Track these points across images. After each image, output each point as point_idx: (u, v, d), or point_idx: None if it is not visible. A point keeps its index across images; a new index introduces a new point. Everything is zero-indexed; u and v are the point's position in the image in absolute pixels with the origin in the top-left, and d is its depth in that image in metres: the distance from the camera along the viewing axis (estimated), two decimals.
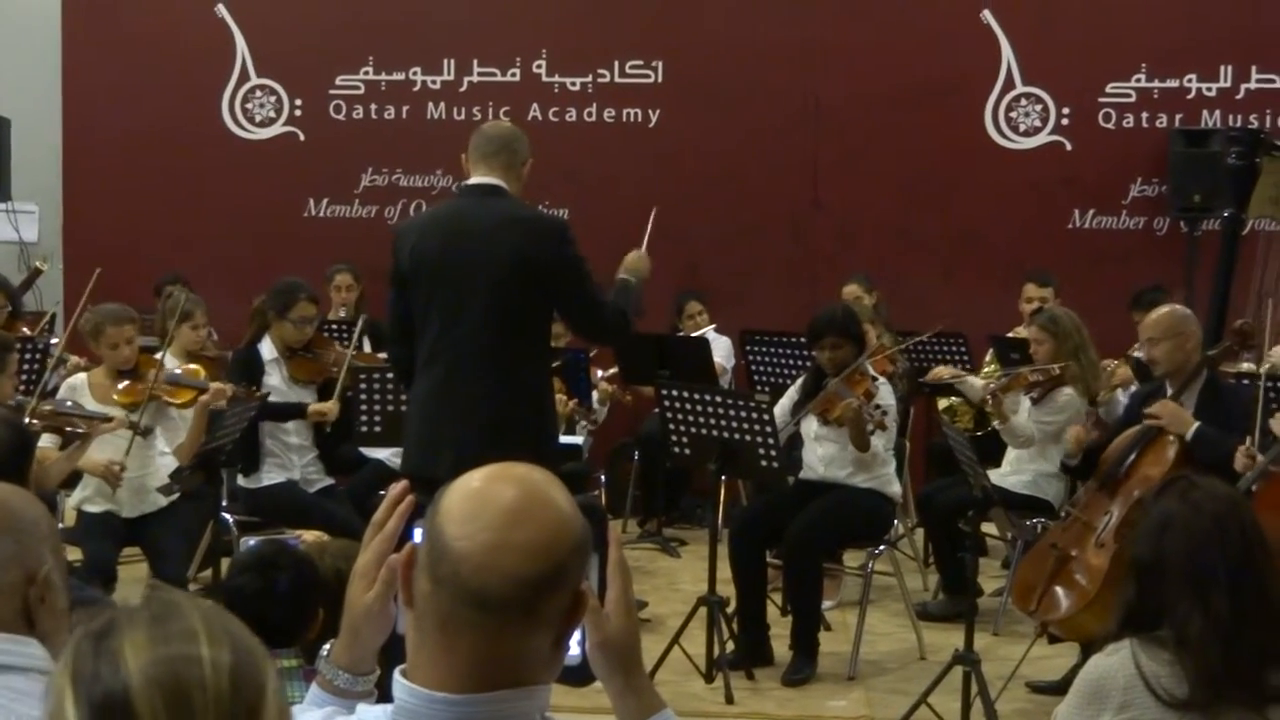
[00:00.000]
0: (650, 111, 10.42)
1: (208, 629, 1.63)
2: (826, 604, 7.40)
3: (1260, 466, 5.60)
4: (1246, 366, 7.57)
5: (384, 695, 2.04)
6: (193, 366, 7.23)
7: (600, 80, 10.44)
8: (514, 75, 10.47)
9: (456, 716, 1.91)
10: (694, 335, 9.35)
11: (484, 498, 1.94)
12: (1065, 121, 10.28)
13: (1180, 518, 3.24)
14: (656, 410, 7.20)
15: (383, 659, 2.18)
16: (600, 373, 8.74)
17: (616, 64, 10.43)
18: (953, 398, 8.57)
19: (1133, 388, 7.37)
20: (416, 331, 5.37)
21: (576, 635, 2.07)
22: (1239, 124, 9.73)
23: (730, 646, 6.67)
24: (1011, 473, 7.53)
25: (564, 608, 1.95)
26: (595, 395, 8.61)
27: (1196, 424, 5.97)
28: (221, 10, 10.56)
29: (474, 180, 5.38)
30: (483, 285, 5.21)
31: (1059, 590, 5.96)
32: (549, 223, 5.58)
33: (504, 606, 1.89)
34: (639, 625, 2.18)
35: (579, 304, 5.38)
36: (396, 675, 1.95)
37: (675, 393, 6.69)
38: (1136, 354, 8.38)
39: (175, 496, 6.69)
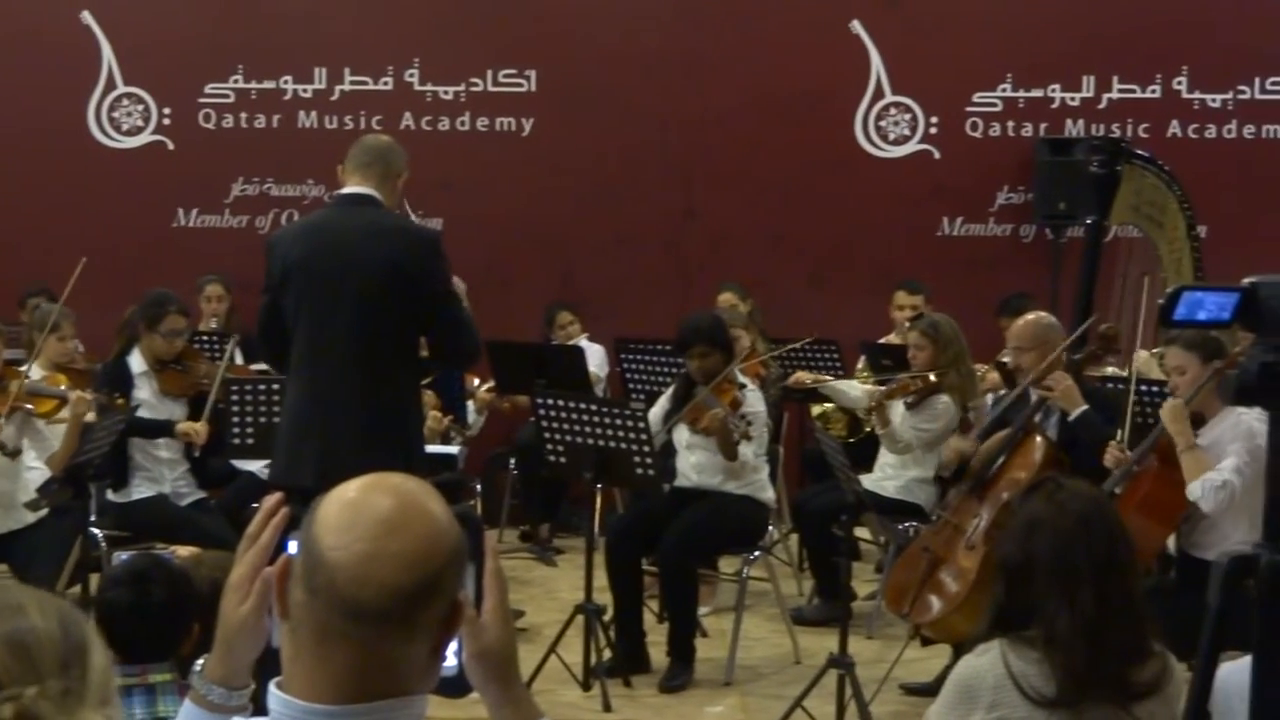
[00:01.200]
0: (524, 120, 10.41)
1: (36, 600, 1.77)
2: (702, 610, 7.44)
3: (1126, 467, 5.73)
4: (1111, 370, 7.73)
5: (260, 709, 2.02)
6: (56, 375, 7.12)
7: (473, 89, 10.41)
8: (386, 84, 10.41)
9: None
10: (569, 344, 9.35)
11: (359, 508, 1.93)
12: (933, 130, 10.42)
13: (1047, 518, 3.31)
14: (533, 419, 7.20)
15: (258, 672, 2.16)
16: (476, 381, 8.72)
17: (489, 73, 10.40)
18: (826, 404, 8.65)
19: (1001, 392, 7.48)
20: (291, 339, 5.37)
21: (453, 645, 2.07)
22: (1101, 133, 9.92)
23: (607, 654, 6.68)
24: (884, 478, 7.62)
25: (440, 618, 1.95)
26: (471, 405, 8.58)
27: (1085, 406, 6.09)
28: (87, 17, 10.39)
29: (346, 190, 5.39)
30: (351, 294, 5.22)
31: (931, 593, 6.04)
32: (422, 235, 5.58)
33: (380, 617, 1.88)
34: (516, 635, 2.18)
35: (445, 320, 5.38)
36: (271, 688, 1.94)
37: (550, 401, 6.70)
38: (1005, 359, 8.53)
39: (43, 512, 6.58)
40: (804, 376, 8.33)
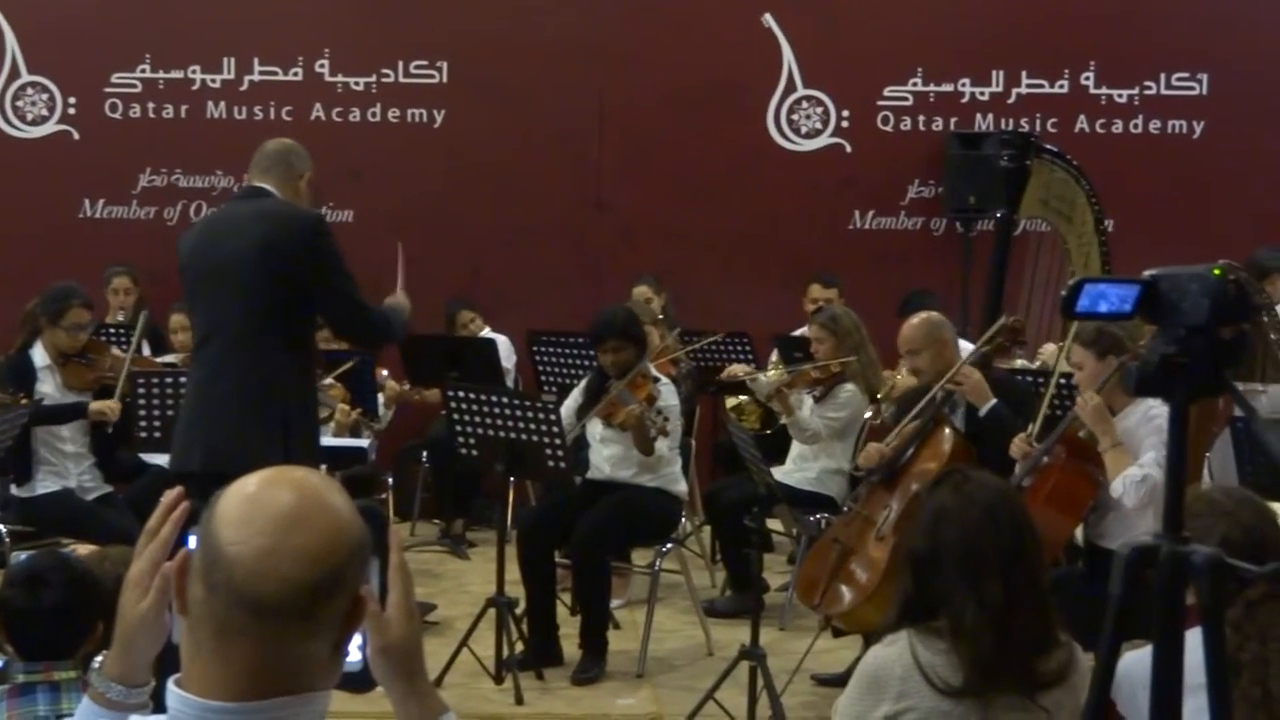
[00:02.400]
0: (435, 112, 10.35)
1: None
2: (615, 603, 7.44)
3: (1034, 459, 5.77)
4: (1020, 363, 7.81)
5: (160, 707, 1.99)
6: None
7: (384, 80, 10.34)
8: (296, 75, 10.31)
9: None
10: (482, 336, 9.33)
11: (259, 502, 1.91)
12: (845, 124, 10.46)
13: (954, 509, 3.33)
14: (444, 412, 7.17)
15: (158, 669, 2.13)
16: (385, 373, 8.66)
17: (401, 64, 10.32)
18: (741, 397, 8.68)
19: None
20: None
21: (358, 641, 2.05)
22: (1011, 128, 10.00)
23: (520, 647, 6.67)
24: (796, 470, 7.65)
25: (342, 613, 1.93)
26: (381, 398, 8.53)
27: (994, 400, 6.14)
28: None
29: (245, 184, 5.55)
30: (236, 283, 5.36)
31: (841, 584, 6.07)
32: (299, 215, 5.55)
33: (280, 612, 1.86)
34: (421, 629, 2.16)
35: (335, 299, 5.44)
36: (170, 685, 1.91)
37: (462, 394, 6.68)
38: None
39: None
40: (737, 369, 8.34)
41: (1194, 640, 3.21)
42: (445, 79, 10.36)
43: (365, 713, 3.06)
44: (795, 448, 7.74)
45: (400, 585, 2.13)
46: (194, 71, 10.29)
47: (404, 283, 6.01)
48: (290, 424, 5.37)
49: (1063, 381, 6.60)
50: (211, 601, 1.88)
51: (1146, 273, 2.12)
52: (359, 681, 2.12)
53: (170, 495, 2.15)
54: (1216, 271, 2.07)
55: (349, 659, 2.04)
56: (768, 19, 10.38)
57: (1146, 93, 10.45)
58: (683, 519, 7.41)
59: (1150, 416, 5.55)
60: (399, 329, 5.86)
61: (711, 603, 7.75)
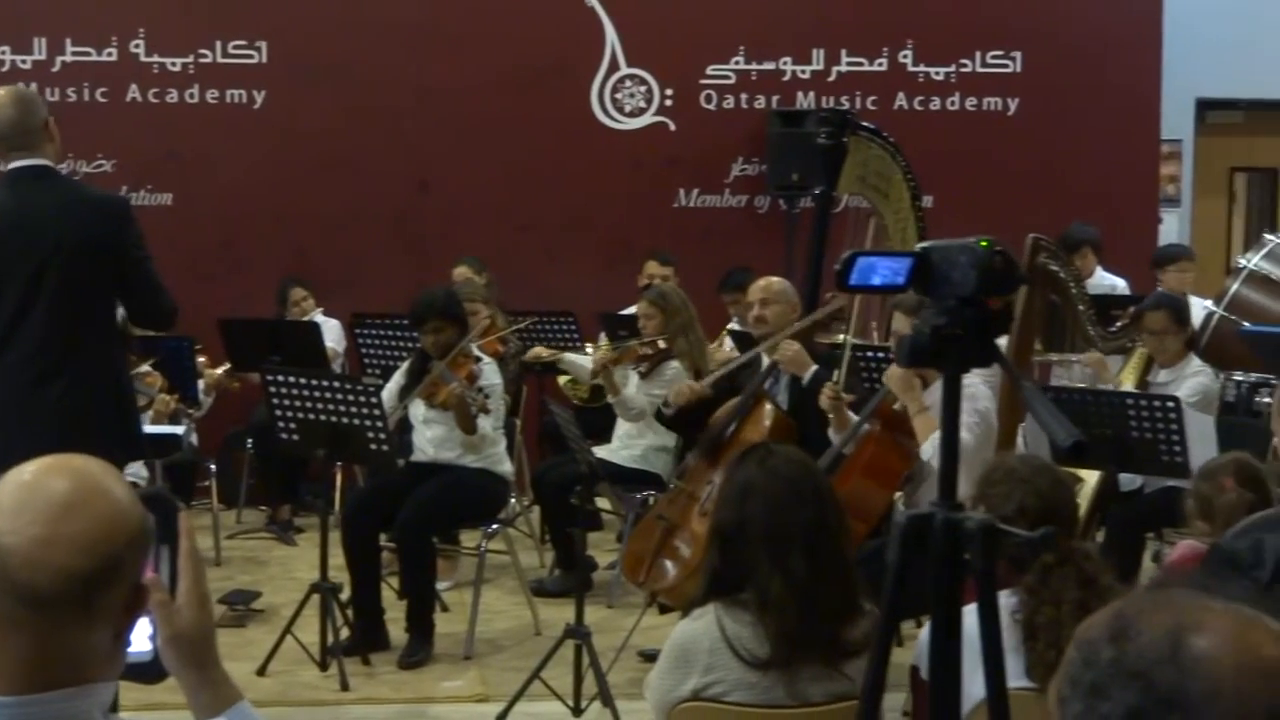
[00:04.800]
0: (255, 93, 10.19)
1: None
2: (443, 585, 7.43)
3: (854, 428, 5.85)
4: (841, 338, 7.91)
5: None
6: None
7: (202, 60, 10.16)
8: (110, 55, 10.09)
9: (10, 719, 1.85)
10: (305, 320, 9.23)
11: (34, 490, 1.88)
12: (669, 103, 10.51)
13: (759, 483, 3.37)
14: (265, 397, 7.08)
15: None
16: (202, 360, 8.53)
17: (219, 44, 10.15)
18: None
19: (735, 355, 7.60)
20: None
21: (149, 630, 2.03)
22: (831, 105, 10.11)
23: (345, 633, 6.62)
24: (621, 447, 7.69)
25: (122, 602, 1.90)
26: (201, 384, 8.39)
27: (815, 367, 6.22)
28: None
29: (19, 164, 5.15)
30: (53, 274, 5.08)
31: (666, 560, 6.11)
32: (113, 202, 5.43)
33: (56, 603, 1.83)
34: (213, 618, 2.14)
35: (141, 285, 5.27)
36: None
37: (281, 378, 6.59)
38: (733, 328, 8.69)
39: None
40: (540, 351, 8.37)
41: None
42: (265, 59, 10.21)
43: (158, 703, 3.02)
44: (621, 425, 7.77)
45: (190, 573, 2.10)
46: (4, 52, 10.03)
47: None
48: (125, 428, 5.24)
49: (881, 355, 6.73)
50: None
51: (918, 245, 2.16)
52: (149, 672, 2.09)
53: None
54: (983, 244, 2.11)
55: (139, 649, 2.02)
56: None
57: (963, 71, 10.64)
58: (511, 499, 7.40)
59: (962, 385, 5.65)
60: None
61: (541, 582, 7.76)
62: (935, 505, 2.18)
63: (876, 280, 2.15)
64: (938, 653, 2.18)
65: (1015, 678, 3.28)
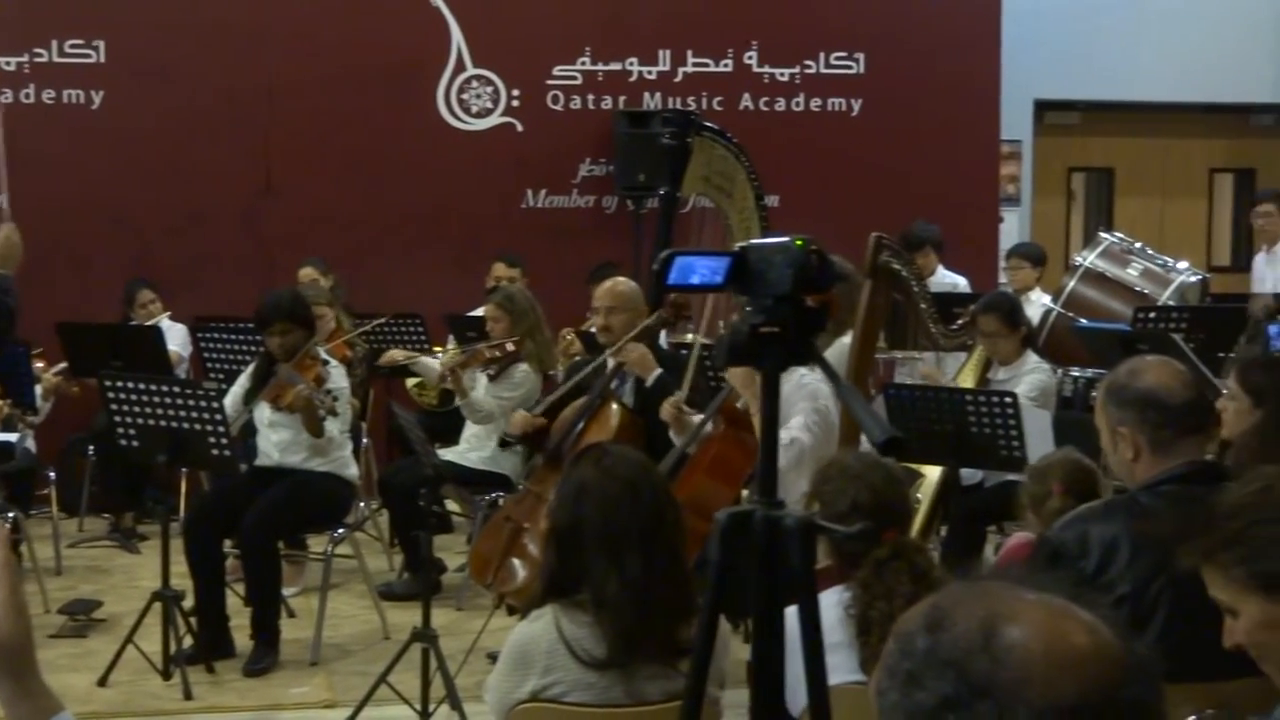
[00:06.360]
0: (93, 93, 10.01)
1: None
2: (291, 590, 7.35)
3: (697, 428, 5.88)
4: (691, 337, 7.94)
5: None
6: None
7: (38, 60, 9.96)
8: None
9: None
10: (148, 324, 9.08)
11: None
12: (515, 103, 10.50)
13: (594, 484, 3.37)
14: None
15: None
16: (40, 365, 8.35)
17: (55, 43, 9.96)
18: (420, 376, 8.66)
19: (578, 359, 7.60)
20: None
21: None
22: (678, 106, 10.16)
23: (190, 641, 6.52)
24: (470, 450, 7.67)
25: None
26: (39, 390, 8.22)
27: (659, 370, 6.24)
28: None
29: None
30: None
31: (514, 561, 6.10)
32: None
33: None
34: (30, 627, 2.09)
35: None
36: None
37: (120, 383, 6.48)
38: (586, 328, 8.67)
39: None
40: (396, 354, 8.31)
41: (824, 603, 3.34)
42: (103, 58, 10.04)
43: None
44: (469, 427, 7.75)
45: (6, 582, 2.06)
46: None
47: None
48: None
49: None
50: None
51: (736, 245, 2.18)
52: None
53: None
54: (799, 243, 2.13)
55: None
56: None
57: (807, 72, 10.76)
58: (361, 504, 7.34)
59: (803, 384, 5.71)
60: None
61: (390, 586, 7.71)
62: (755, 502, 2.20)
63: (695, 279, 2.17)
64: (759, 649, 2.20)
65: (850, 672, 3.33)
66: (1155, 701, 1.42)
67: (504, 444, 6.98)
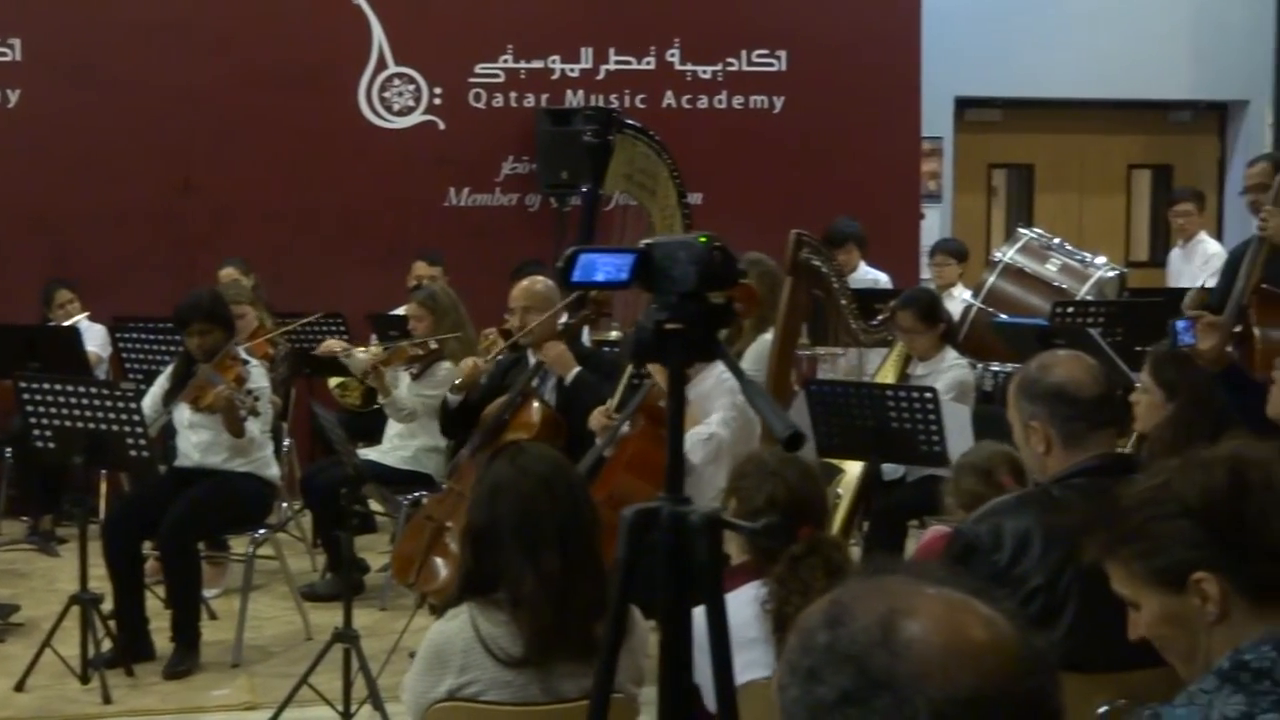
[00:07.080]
0: (9, 92, 9.90)
1: None
2: (213, 592, 7.31)
3: (614, 428, 5.89)
4: (614, 334, 7.96)
5: None
6: None
7: None
8: None
9: None
10: (65, 325, 8.98)
11: None
12: (438, 101, 10.47)
13: (509, 482, 3.37)
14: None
15: None
16: None
17: None
18: (346, 376, 8.61)
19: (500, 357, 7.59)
20: None
21: None
22: (601, 104, 10.17)
23: (108, 644, 6.46)
24: (393, 449, 7.65)
25: None
26: None
27: (578, 368, 6.24)
28: None
29: None
30: None
31: (437, 560, 6.09)
32: None
33: None
34: None
35: None
36: None
37: (35, 385, 6.41)
38: (506, 327, 8.65)
39: None
40: (334, 345, 8.24)
41: (741, 598, 3.36)
42: (20, 57, 9.93)
43: None
44: (392, 426, 7.72)
45: None
46: None
47: None
48: None
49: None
50: None
51: (642, 241, 2.19)
52: None
53: None
54: (702, 239, 2.14)
55: None
56: None
57: (729, 69, 10.79)
58: (283, 504, 7.29)
59: (723, 379, 5.73)
60: None
61: (312, 587, 7.67)
62: (662, 499, 2.21)
63: (600, 277, 2.17)
64: (667, 645, 2.21)
65: (766, 668, 3.35)
66: (1052, 693, 1.44)
67: (445, 408, 6.86)
